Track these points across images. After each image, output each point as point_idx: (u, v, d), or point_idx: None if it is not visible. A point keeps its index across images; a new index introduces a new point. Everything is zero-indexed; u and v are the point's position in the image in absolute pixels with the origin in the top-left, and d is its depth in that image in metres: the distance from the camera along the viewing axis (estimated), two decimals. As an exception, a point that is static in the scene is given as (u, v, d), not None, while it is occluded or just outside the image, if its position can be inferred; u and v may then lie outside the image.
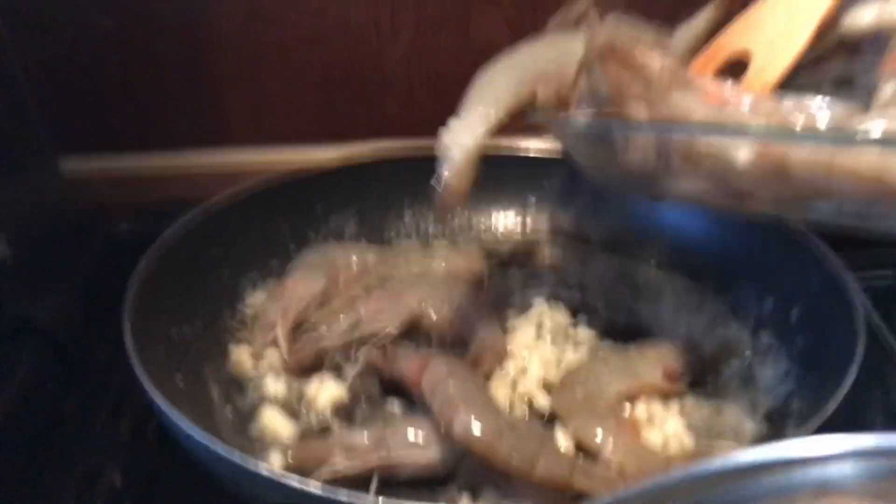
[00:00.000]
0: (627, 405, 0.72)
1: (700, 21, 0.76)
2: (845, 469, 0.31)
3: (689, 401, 0.74)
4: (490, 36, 1.09)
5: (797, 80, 0.62)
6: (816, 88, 0.60)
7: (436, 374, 0.67)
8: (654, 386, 0.73)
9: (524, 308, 0.86)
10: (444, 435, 0.63)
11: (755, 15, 0.66)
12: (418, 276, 0.89)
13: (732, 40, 0.67)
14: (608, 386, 0.72)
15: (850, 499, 0.31)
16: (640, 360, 0.75)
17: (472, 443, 0.60)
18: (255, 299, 0.87)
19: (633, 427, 0.69)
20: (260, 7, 1.05)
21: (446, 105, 1.14)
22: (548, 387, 0.75)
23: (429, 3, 1.06)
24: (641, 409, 0.73)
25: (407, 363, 0.72)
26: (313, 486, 0.55)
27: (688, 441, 0.70)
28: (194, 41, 1.06)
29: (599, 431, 0.66)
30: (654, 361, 0.75)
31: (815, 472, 0.31)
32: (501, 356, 0.78)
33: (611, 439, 0.66)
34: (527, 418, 0.73)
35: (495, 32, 1.09)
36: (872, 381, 0.76)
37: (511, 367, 0.78)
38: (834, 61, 0.63)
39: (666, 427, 0.71)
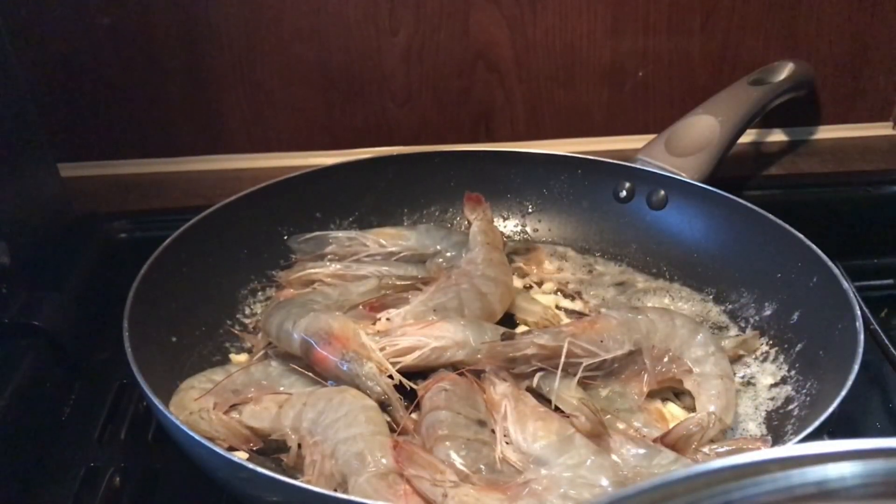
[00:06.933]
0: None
1: None
2: (844, 471, 0.31)
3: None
4: (489, 34, 1.09)
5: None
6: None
7: (433, 399, 0.68)
8: (675, 380, 0.74)
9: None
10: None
11: None
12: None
13: None
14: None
15: (850, 500, 0.31)
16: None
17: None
18: (256, 306, 0.87)
19: (662, 420, 0.70)
20: (258, 6, 1.05)
21: (445, 103, 1.15)
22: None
23: (427, 1, 1.06)
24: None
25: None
26: (312, 487, 0.56)
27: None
28: (192, 46, 1.06)
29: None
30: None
31: (815, 474, 0.31)
32: None
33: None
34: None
35: (494, 30, 1.09)
36: (871, 385, 0.77)
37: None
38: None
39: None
